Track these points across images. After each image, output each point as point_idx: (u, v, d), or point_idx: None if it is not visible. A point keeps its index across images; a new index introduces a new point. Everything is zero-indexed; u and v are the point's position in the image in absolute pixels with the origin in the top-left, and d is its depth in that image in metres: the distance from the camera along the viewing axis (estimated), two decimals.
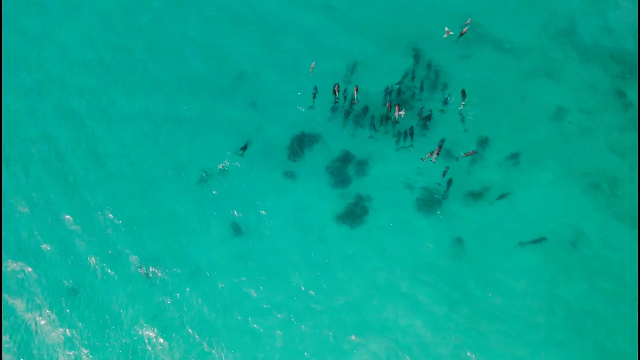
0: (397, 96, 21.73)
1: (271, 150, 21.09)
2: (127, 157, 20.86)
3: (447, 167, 20.53)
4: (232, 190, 20.54)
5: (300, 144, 21.22)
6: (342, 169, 20.95)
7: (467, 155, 20.77)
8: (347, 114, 21.53)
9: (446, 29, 22.41)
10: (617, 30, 23.66)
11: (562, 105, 22.05)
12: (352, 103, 21.52)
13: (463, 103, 21.70)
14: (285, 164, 20.94)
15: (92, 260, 19.50)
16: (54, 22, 22.67)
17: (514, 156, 21.17)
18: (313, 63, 21.72)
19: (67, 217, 19.98)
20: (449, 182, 20.56)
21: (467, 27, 22.35)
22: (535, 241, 19.96)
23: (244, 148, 20.89)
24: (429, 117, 21.31)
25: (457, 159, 20.84)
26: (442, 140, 20.85)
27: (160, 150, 20.96)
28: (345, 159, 21.07)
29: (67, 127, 21.18)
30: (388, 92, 21.79)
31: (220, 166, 20.75)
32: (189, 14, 23.11)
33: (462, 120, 21.50)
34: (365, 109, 21.54)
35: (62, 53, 22.23)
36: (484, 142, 21.30)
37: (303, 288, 19.41)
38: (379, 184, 20.73)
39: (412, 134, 21.06)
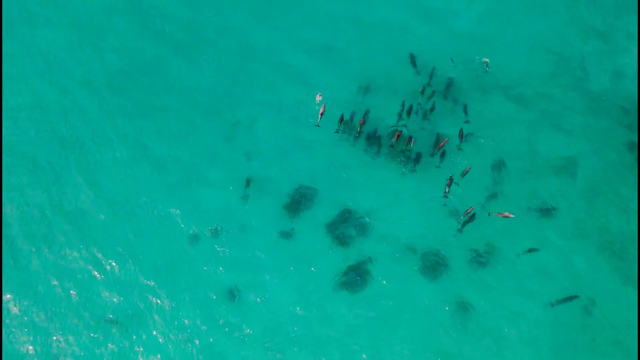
0: (407, 117, 21.31)
1: (266, 207, 19.80)
2: (115, 207, 19.73)
3: (473, 207, 19.73)
4: (223, 253, 19.03)
5: (298, 200, 19.86)
6: (342, 228, 19.54)
7: (499, 215, 19.72)
8: (352, 146, 20.77)
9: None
10: (627, 77, 22.99)
11: (572, 158, 21.14)
12: (357, 134, 20.84)
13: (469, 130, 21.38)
14: (282, 222, 19.56)
15: None
16: None
17: (524, 212, 20.13)
18: (319, 94, 21.27)
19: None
20: (470, 219, 19.71)
21: (487, 69, 22.39)
22: (547, 305, 18.72)
23: (247, 185, 19.93)
24: (443, 154, 20.67)
25: (489, 214, 19.84)
26: (467, 170, 20.15)
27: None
28: (345, 216, 19.73)
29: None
30: (401, 112, 21.32)
31: (210, 228, 19.34)
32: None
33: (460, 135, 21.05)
34: (370, 140, 20.81)
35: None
36: (491, 197, 20.23)
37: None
38: (381, 245, 19.35)
39: (416, 161, 20.59)
